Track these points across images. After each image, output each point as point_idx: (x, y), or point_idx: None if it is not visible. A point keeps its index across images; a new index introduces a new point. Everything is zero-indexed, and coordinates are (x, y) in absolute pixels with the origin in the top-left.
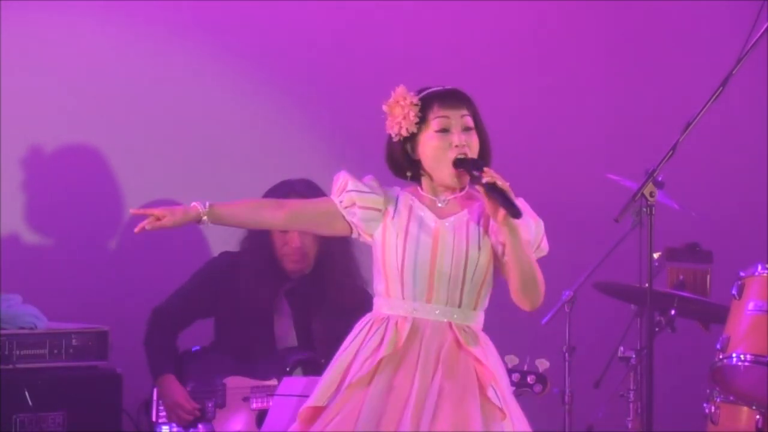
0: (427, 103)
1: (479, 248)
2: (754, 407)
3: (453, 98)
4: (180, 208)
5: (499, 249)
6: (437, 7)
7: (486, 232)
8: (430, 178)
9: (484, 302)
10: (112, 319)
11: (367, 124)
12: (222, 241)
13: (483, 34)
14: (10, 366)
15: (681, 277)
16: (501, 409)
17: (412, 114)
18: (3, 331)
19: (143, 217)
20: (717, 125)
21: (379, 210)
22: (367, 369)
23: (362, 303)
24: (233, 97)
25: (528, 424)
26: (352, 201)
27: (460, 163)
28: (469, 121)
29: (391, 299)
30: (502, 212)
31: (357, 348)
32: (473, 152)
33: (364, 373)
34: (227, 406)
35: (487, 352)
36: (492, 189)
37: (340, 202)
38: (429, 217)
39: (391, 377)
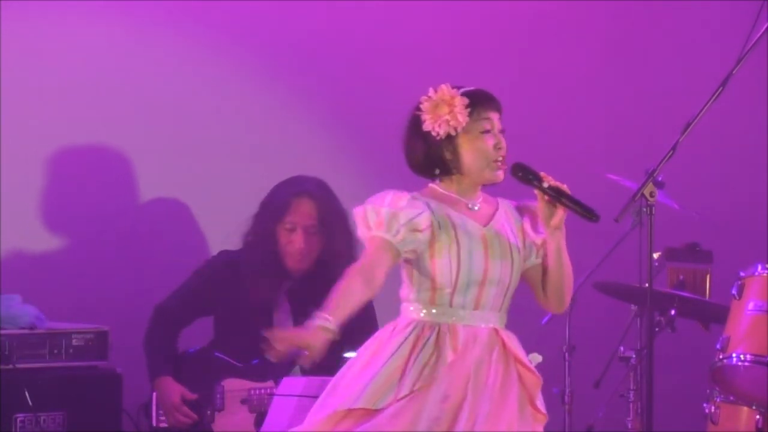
0: (474, 104)
1: (519, 253)
2: (754, 407)
3: (494, 101)
4: (311, 337)
5: (532, 251)
6: (437, 7)
7: (519, 235)
8: (464, 176)
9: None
10: (112, 319)
11: (376, 122)
12: (221, 241)
13: (482, 34)
14: (10, 366)
15: (681, 277)
16: (542, 413)
17: (462, 114)
18: (3, 331)
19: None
20: (717, 125)
21: (430, 225)
22: (431, 377)
23: (366, 311)
24: (236, 97)
25: None
26: (412, 229)
27: (518, 171)
28: (501, 125)
29: (437, 307)
30: (557, 218)
31: (408, 354)
32: (505, 154)
33: (424, 383)
34: (226, 409)
35: (524, 354)
36: (559, 193)
37: (395, 235)
38: (471, 224)
39: (447, 386)
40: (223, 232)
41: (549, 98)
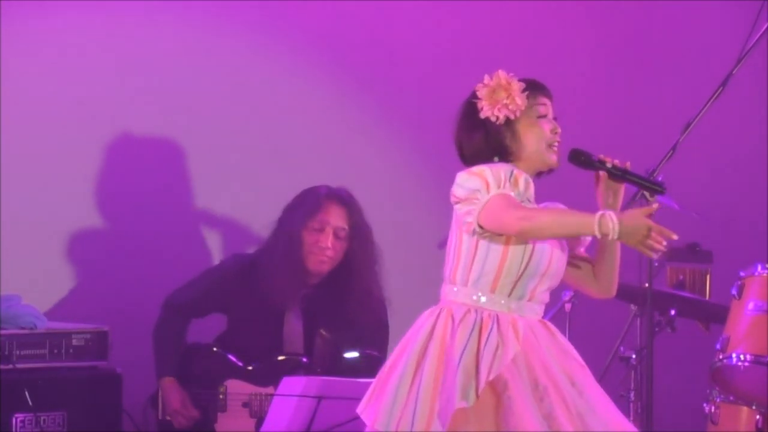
0: (531, 90)
1: (566, 249)
2: (754, 407)
3: (546, 88)
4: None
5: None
6: (437, 8)
7: None
8: (521, 162)
9: None
10: (112, 319)
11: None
12: (220, 241)
13: (482, 33)
14: (10, 366)
15: (681, 277)
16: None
17: (520, 98)
18: (3, 331)
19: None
20: (717, 125)
21: None
22: (501, 367)
23: (379, 321)
24: (238, 99)
25: None
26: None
27: (579, 155)
28: (556, 112)
29: (495, 295)
30: (620, 200)
31: (477, 346)
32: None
33: (500, 371)
34: (228, 411)
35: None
36: (624, 171)
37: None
38: None
39: (537, 378)
40: (223, 232)
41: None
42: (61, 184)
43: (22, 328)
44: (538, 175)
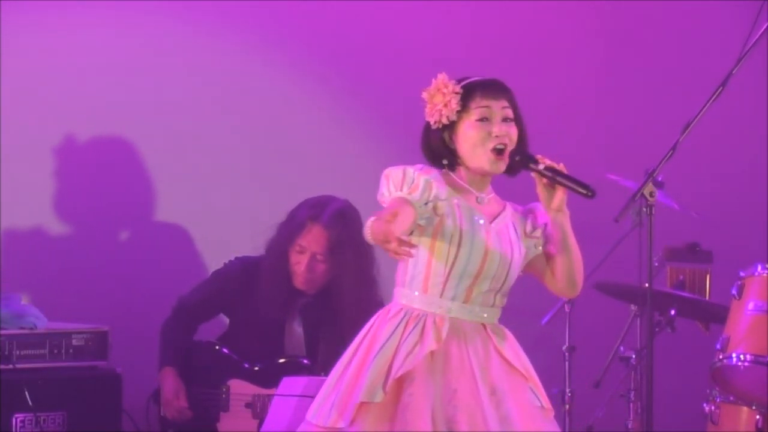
0: (468, 92)
1: (519, 253)
2: (754, 407)
3: (494, 88)
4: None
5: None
6: (435, 7)
7: (523, 237)
8: (467, 167)
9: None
10: (112, 319)
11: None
12: (221, 242)
13: (482, 33)
14: (10, 366)
15: (681, 277)
16: (546, 407)
17: (453, 102)
18: (3, 331)
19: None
20: (717, 125)
21: (441, 213)
22: (412, 364)
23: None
24: (239, 98)
25: None
26: (434, 208)
27: (514, 155)
28: (509, 113)
29: (428, 296)
30: (558, 197)
31: (397, 343)
32: (512, 143)
33: (410, 367)
34: (231, 411)
35: (516, 351)
36: (555, 173)
37: (423, 207)
38: (478, 216)
39: (448, 380)
40: (224, 232)
41: (549, 98)
42: (61, 184)
43: (22, 328)
44: (510, 175)
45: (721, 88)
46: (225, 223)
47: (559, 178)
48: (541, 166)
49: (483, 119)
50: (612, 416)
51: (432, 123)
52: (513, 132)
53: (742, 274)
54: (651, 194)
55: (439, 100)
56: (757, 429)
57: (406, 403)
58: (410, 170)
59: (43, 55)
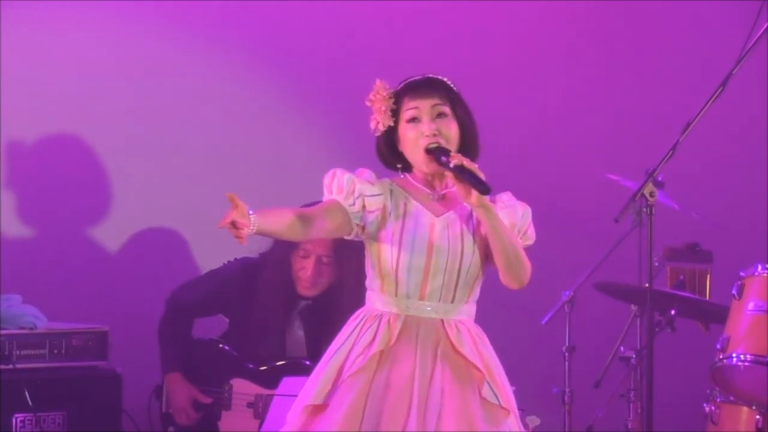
0: (400, 96)
1: (473, 244)
2: (754, 407)
3: (423, 87)
4: (238, 204)
5: (484, 235)
6: (437, 7)
7: (478, 227)
8: (415, 168)
9: (476, 294)
10: (112, 319)
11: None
12: (220, 242)
13: (483, 33)
14: (10, 366)
15: (681, 277)
16: (503, 408)
17: (384, 108)
18: (3, 331)
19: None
20: (717, 125)
21: (381, 209)
22: (360, 364)
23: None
24: (239, 96)
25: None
26: (363, 205)
27: (429, 152)
28: (442, 109)
29: (384, 296)
30: (474, 193)
31: (351, 344)
32: (448, 139)
33: (356, 368)
34: (233, 410)
35: (479, 347)
36: (460, 171)
37: (351, 205)
38: (424, 213)
39: (387, 375)
40: (224, 233)
41: (549, 99)
42: (61, 184)
43: (22, 328)
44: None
45: (721, 88)
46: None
47: (459, 174)
48: (451, 165)
49: (413, 119)
50: (612, 416)
51: (373, 130)
52: (448, 128)
53: (742, 274)
54: (651, 194)
55: (377, 107)
56: (757, 429)
57: (339, 401)
58: (338, 173)
59: (43, 55)
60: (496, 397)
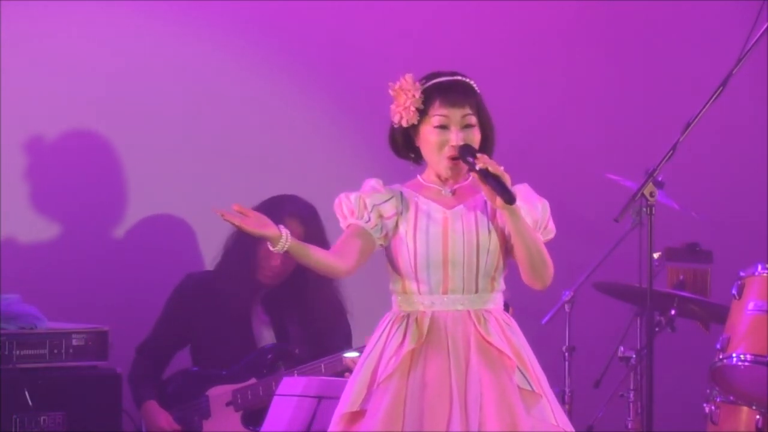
0: (429, 97)
1: (489, 233)
2: (754, 407)
3: (455, 94)
4: (268, 221)
5: (507, 232)
6: (437, 7)
7: (494, 215)
8: (428, 164)
9: (500, 284)
10: (112, 319)
11: (378, 120)
12: (217, 243)
13: (483, 33)
14: (10, 366)
15: (681, 277)
16: (536, 392)
17: (413, 107)
18: (3, 331)
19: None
20: (717, 125)
21: (396, 214)
22: (393, 366)
23: (337, 311)
24: (242, 96)
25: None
26: (379, 214)
27: (458, 153)
28: (470, 119)
29: (408, 296)
30: (499, 198)
31: (381, 348)
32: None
33: (390, 371)
34: (212, 416)
35: (507, 334)
36: (486, 174)
37: (367, 222)
38: (435, 208)
39: (422, 374)
40: (221, 233)
41: (549, 98)
42: (61, 184)
43: (22, 328)
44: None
45: (721, 88)
46: (225, 224)
47: (484, 178)
48: (477, 167)
49: (441, 127)
50: (612, 416)
51: (394, 122)
52: (473, 136)
53: (742, 274)
54: (651, 194)
55: (401, 101)
56: (757, 429)
57: (376, 406)
58: (343, 197)
59: (43, 55)
60: (529, 382)
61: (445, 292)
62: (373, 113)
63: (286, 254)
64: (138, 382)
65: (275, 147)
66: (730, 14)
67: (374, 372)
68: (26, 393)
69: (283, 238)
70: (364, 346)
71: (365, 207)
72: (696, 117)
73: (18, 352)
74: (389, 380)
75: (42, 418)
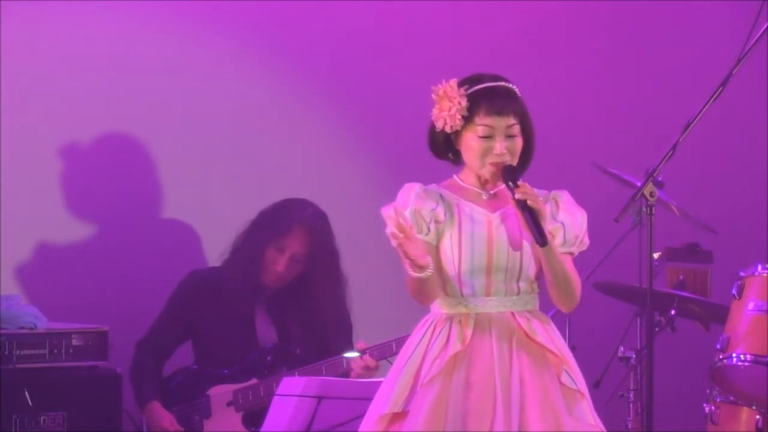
0: (473, 104)
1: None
2: (754, 407)
3: (500, 102)
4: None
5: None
6: (437, 7)
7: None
8: (468, 167)
9: (537, 286)
10: (112, 319)
11: (389, 129)
12: (217, 243)
13: (482, 32)
14: (10, 366)
15: (681, 277)
16: (579, 391)
17: (458, 115)
18: (3, 331)
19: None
20: (717, 125)
21: (444, 219)
22: (438, 367)
23: (340, 312)
24: (243, 97)
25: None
26: (435, 220)
27: (502, 174)
28: (514, 129)
29: (450, 298)
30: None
31: (424, 350)
32: (514, 158)
33: (435, 372)
34: (213, 415)
35: (550, 334)
36: (523, 207)
37: (428, 234)
38: (479, 212)
39: (466, 375)
40: (221, 233)
41: (549, 98)
42: (60, 184)
43: (22, 328)
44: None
45: (721, 88)
46: (226, 224)
47: (521, 210)
48: (517, 196)
49: (486, 136)
50: (612, 416)
51: (437, 127)
52: (516, 147)
53: (742, 274)
54: (651, 194)
55: (445, 106)
56: (757, 429)
57: (418, 406)
58: (406, 212)
59: (43, 55)
60: (574, 381)
61: (487, 295)
62: (380, 113)
63: (290, 261)
64: (140, 380)
65: (282, 147)
66: (730, 14)
67: (417, 374)
68: (26, 393)
69: (426, 272)
70: (364, 347)
71: (423, 219)
72: (696, 117)
73: (18, 352)
74: (433, 382)
75: (42, 418)
